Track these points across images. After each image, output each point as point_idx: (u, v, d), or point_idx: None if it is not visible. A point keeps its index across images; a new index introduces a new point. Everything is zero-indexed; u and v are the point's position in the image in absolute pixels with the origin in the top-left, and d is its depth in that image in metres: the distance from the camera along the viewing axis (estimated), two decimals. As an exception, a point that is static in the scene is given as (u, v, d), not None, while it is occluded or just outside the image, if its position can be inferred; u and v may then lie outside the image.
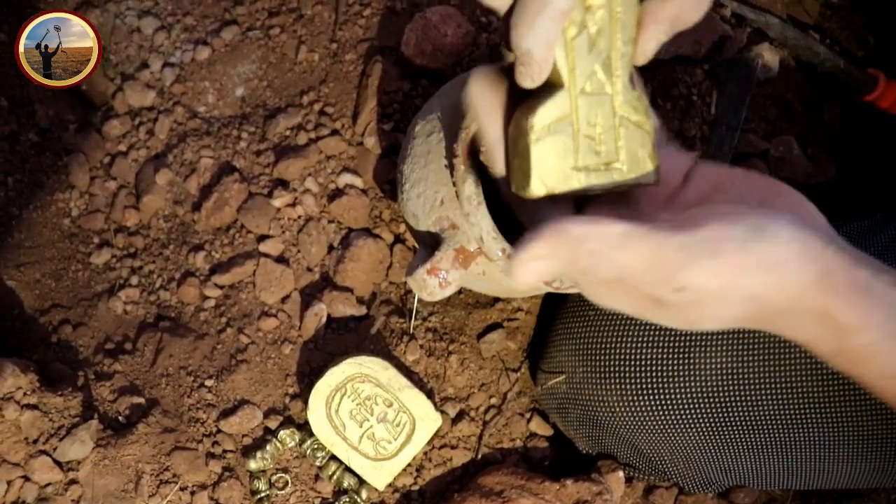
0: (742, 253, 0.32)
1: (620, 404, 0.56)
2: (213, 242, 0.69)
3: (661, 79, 0.68)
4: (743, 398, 0.55)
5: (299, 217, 0.69)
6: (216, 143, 0.73)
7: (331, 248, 0.68)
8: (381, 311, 0.66)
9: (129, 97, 0.76)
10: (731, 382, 0.55)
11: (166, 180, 0.71)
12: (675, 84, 0.67)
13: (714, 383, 0.55)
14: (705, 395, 0.55)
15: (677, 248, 0.32)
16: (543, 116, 0.36)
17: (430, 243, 0.54)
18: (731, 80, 0.65)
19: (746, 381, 0.55)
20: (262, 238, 0.68)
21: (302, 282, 0.67)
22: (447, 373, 0.64)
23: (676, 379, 0.55)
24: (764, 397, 0.55)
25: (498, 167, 0.38)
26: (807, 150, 0.77)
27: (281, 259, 0.68)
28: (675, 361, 0.55)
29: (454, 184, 0.51)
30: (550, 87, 0.37)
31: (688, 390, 0.55)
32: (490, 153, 0.39)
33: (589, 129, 0.37)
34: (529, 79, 0.37)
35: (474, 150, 0.50)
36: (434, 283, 0.52)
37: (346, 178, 0.69)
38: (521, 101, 0.38)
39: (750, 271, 0.32)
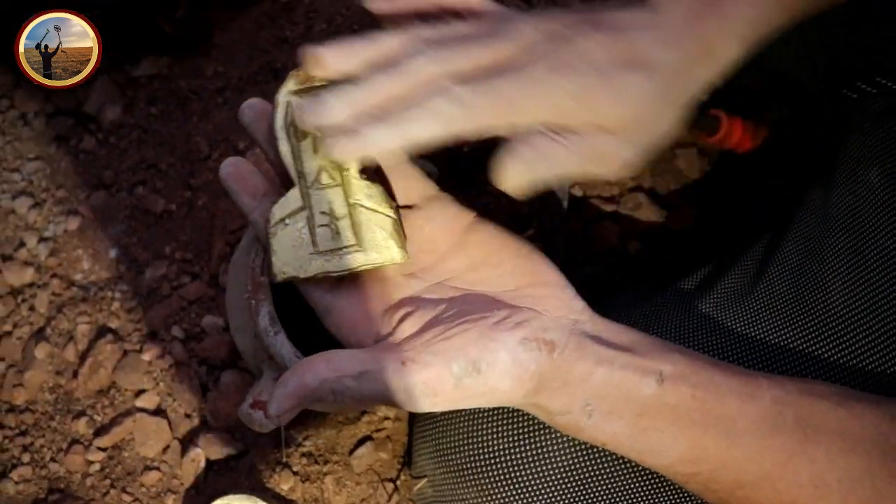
0: (459, 389, 0.38)
1: (480, 499, 0.56)
2: (94, 406, 0.70)
3: (486, 166, 0.69)
4: (598, 472, 0.55)
5: (170, 366, 0.70)
6: (92, 307, 0.75)
7: (206, 390, 0.69)
8: (259, 444, 0.67)
9: (7, 277, 0.79)
10: (582, 458, 0.55)
11: (45, 353, 0.73)
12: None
13: (566, 462, 0.55)
14: (560, 475, 0.55)
15: (402, 389, 0.38)
16: (278, 212, 0.41)
17: (259, 376, 0.55)
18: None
19: (597, 455, 0.55)
20: (138, 393, 0.69)
21: (181, 430, 0.68)
22: (325, 495, 0.64)
23: (529, 464, 0.55)
24: (617, 468, 0.54)
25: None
26: (666, 200, 0.78)
27: (158, 411, 0.69)
28: (525, 447, 0.55)
29: (257, 319, 0.52)
30: (289, 186, 0.42)
31: (542, 473, 0.55)
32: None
33: (323, 217, 0.42)
34: None
35: (267, 282, 0.51)
36: (260, 416, 0.52)
37: (208, 320, 0.70)
38: None
39: (465, 400, 0.39)
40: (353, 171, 0.42)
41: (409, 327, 0.41)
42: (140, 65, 0.87)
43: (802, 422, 0.42)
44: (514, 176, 0.39)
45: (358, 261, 0.42)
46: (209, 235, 0.74)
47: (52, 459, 0.70)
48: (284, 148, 0.41)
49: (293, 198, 0.41)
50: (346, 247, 0.42)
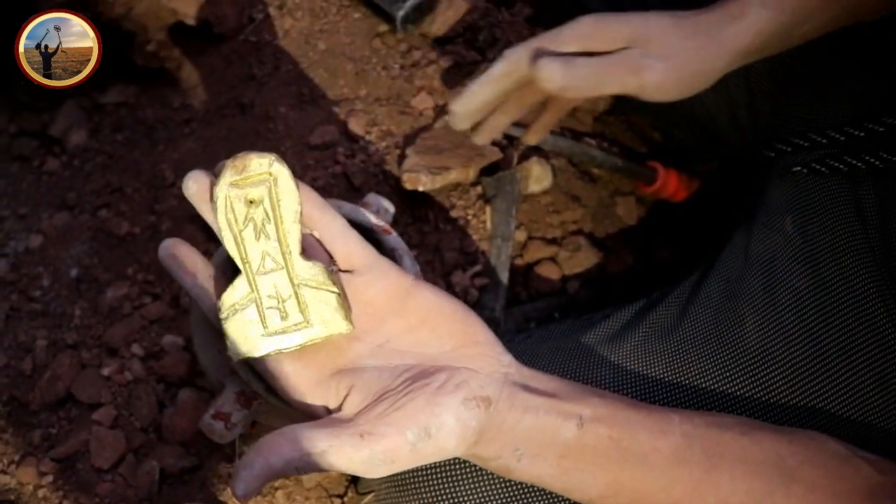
0: (413, 454, 0.42)
1: (423, 513, 0.60)
2: (49, 419, 0.72)
3: (440, 205, 0.75)
4: (529, 490, 0.59)
5: (129, 382, 0.72)
6: (51, 322, 0.77)
7: (162, 406, 0.71)
8: (213, 458, 0.69)
9: (-35, 291, 0.80)
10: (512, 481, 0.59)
11: (0, 364, 0.75)
12: (452, 208, 0.74)
13: (497, 485, 0.59)
14: (495, 491, 0.59)
15: (363, 460, 0.41)
16: (227, 299, 0.44)
17: (221, 390, 0.58)
18: (499, 196, 0.72)
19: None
20: (94, 407, 0.72)
21: (135, 442, 0.70)
22: (275, 509, 0.67)
23: (468, 481, 0.59)
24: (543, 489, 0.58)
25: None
26: (605, 244, 0.84)
27: (114, 425, 0.71)
28: (464, 464, 0.59)
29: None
30: (237, 273, 0.45)
31: (479, 488, 0.59)
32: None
33: (270, 300, 0.44)
34: None
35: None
36: (220, 426, 0.56)
37: (168, 339, 0.73)
38: None
39: (419, 461, 0.43)
40: (296, 253, 0.44)
41: (358, 399, 0.44)
42: (108, 92, 0.90)
43: (709, 452, 0.47)
44: (553, 71, 0.51)
45: (307, 336, 0.44)
46: (172, 258, 0.77)
47: (4, 471, 0.71)
48: (228, 238, 0.43)
49: (240, 284, 0.44)
50: (294, 324, 0.44)
